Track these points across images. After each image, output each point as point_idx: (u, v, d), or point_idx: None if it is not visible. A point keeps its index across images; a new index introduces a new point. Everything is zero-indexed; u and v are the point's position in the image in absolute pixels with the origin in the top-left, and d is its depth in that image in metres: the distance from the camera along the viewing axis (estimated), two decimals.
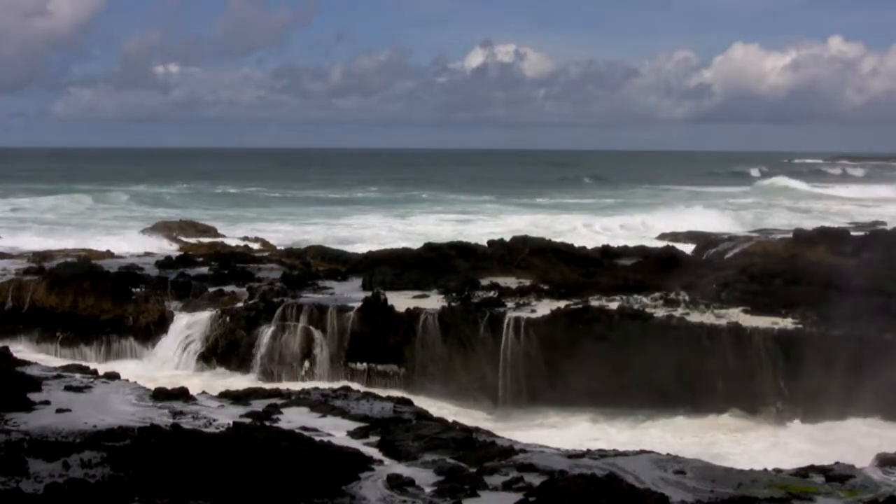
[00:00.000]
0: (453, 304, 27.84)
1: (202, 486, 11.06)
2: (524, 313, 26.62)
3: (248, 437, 13.11)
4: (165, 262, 35.01)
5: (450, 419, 17.16)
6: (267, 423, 15.07)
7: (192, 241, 45.65)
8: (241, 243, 45.25)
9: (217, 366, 28.04)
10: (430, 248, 34.73)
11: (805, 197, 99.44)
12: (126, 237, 49.59)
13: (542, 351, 25.68)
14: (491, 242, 36.48)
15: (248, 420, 15.37)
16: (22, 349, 27.36)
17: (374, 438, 14.82)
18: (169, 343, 28.81)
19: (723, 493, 12.00)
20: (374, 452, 13.78)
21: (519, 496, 11.51)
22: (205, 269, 33.95)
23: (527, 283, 30.34)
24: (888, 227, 49.65)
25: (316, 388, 18.83)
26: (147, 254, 40.31)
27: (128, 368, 27.09)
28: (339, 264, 35.85)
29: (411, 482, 12.06)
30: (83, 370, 19.28)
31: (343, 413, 16.59)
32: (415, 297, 29.21)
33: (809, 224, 51.44)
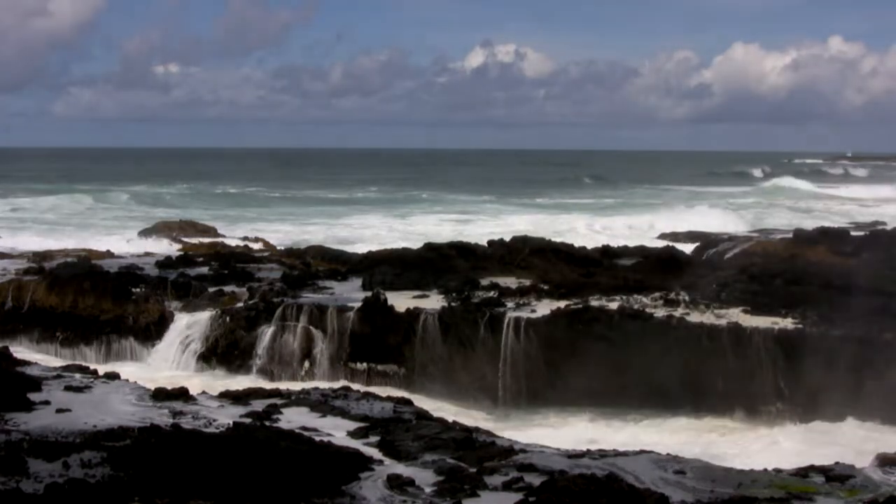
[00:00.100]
0: (453, 304, 27.85)
1: (202, 486, 11.06)
2: (524, 313, 26.63)
3: (248, 437, 13.11)
4: (165, 262, 35.02)
5: (450, 419, 17.15)
6: (267, 423, 15.06)
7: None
8: (241, 243, 45.26)
9: (217, 366, 28.05)
10: (430, 248, 34.74)
11: (810, 197, 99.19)
12: (126, 237, 49.65)
13: (542, 351, 25.68)
14: (491, 242, 36.49)
15: (248, 420, 15.36)
16: (22, 349, 27.36)
17: (374, 438, 14.81)
18: (169, 343, 28.82)
19: (723, 493, 12.00)
20: (374, 452, 13.78)
21: (519, 496, 11.51)
22: (205, 269, 33.96)
23: (527, 283, 30.35)
24: (888, 227, 49.63)
25: (316, 388, 18.83)
26: (147, 254, 40.33)
27: (128, 368, 27.12)
28: (339, 264, 35.85)
29: (411, 482, 12.06)
30: (83, 370, 19.27)
31: (343, 413, 16.59)
32: (415, 297, 29.21)
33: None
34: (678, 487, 12.23)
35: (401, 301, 28.25)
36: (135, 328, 29.50)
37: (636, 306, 26.79)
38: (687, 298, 27.57)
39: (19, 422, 13.72)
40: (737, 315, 25.90)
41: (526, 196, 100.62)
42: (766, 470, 13.80)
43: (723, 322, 25.23)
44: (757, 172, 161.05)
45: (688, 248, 44.79)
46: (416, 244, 38.81)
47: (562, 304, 27.21)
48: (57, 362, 23.75)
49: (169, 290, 30.89)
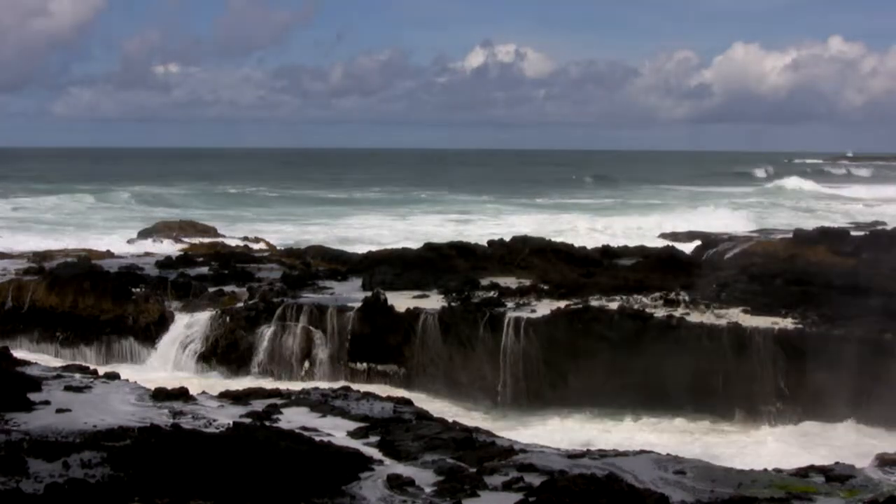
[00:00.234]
0: (453, 304, 27.85)
1: (202, 486, 11.06)
2: (524, 313, 26.62)
3: (248, 437, 13.11)
4: (165, 262, 35.02)
5: (450, 419, 17.15)
6: (267, 423, 15.06)
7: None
8: (241, 243, 45.26)
9: (217, 366, 28.06)
10: (430, 248, 34.75)
11: (816, 197, 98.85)
12: (126, 237, 49.66)
13: (542, 351, 25.68)
14: (491, 242, 36.49)
15: (248, 420, 15.36)
16: (22, 349, 27.36)
17: (374, 438, 14.81)
18: (169, 343, 28.81)
19: (723, 493, 12.00)
20: (374, 452, 13.78)
21: (519, 496, 11.52)
22: (205, 269, 33.96)
23: (527, 283, 30.35)
24: (888, 227, 49.64)
25: (316, 388, 18.82)
26: (147, 254, 40.33)
27: (127, 368, 27.14)
28: (339, 264, 35.84)
29: (411, 482, 12.06)
30: (83, 370, 19.27)
31: (343, 413, 16.59)
32: (415, 297, 29.21)
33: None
34: (678, 487, 12.23)
35: (401, 301, 28.25)
36: (135, 328, 29.49)
37: (636, 306, 26.78)
38: (687, 298, 27.56)
39: (19, 422, 13.72)
40: (737, 315, 25.89)
41: (526, 196, 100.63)
42: (766, 470, 13.81)
43: (723, 322, 25.22)
44: (760, 173, 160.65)
45: (688, 247, 44.83)
46: (416, 244, 38.83)
47: (562, 304, 27.21)
48: (57, 362, 23.77)
49: (169, 290, 30.88)
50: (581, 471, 12.20)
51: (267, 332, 27.90)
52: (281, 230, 61.55)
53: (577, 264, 34.05)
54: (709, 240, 48.53)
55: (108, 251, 40.77)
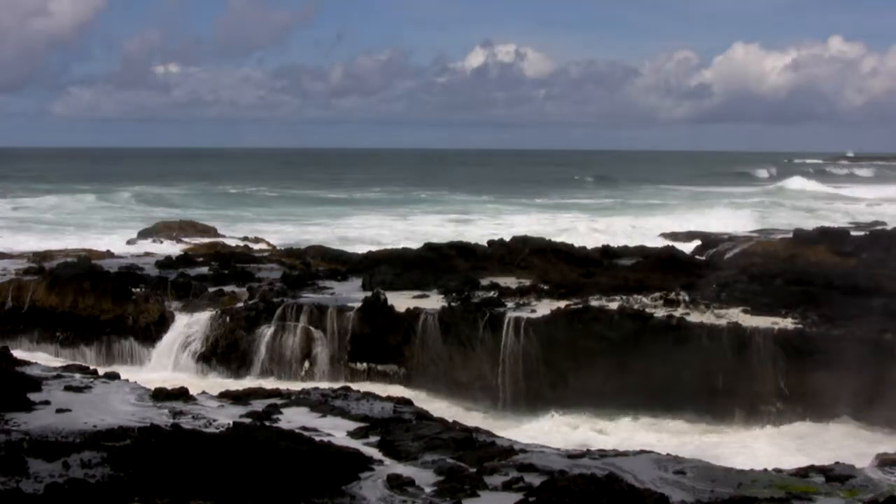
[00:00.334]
0: (453, 304, 27.84)
1: (202, 486, 11.06)
2: (524, 313, 26.62)
3: (248, 437, 13.11)
4: (165, 262, 35.01)
5: (450, 419, 17.16)
6: (267, 423, 15.07)
7: (195, 241, 45.64)
8: (241, 243, 45.26)
9: (217, 366, 28.05)
10: (430, 248, 34.75)
11: (821, 197, 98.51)
12: (126, 237, 49.66)
13: (542, 351, 25.67)
14: (491, 242, 36.48)
15: (248, 420, 15.37)
16: (22, 349, 27.36)
17: (374, 438, 14.82)
18: (169, 343, 28.80)
19: (723, 493, 12.01)
20: (374, 452, 13.79)
21: (519, 496, 11.52)
22: (205, 269, 33.95)
23: (527, 283, 30.34)
24: (888, 227, 49.64)
25: (316, 388, 18.84)
26: (147, 254, 40.32)
27: (127, 368, 27.17)
28: (339, 264, 35.83)
29: (411, 482, 12.07)
30: (83, 370, 19.28)
31: (343, 413, 16.60)
32: (415, 297, 29.21)
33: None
34: (678, 487, 12.24)
35: (401, 301, 28.25)
36: (135, 328, 29.48)
37: (636, 306, 26.78)
38: (687, 298, 27.55)
39: (19, 422, 13.73)
40: (737, 315, 25.89)
41: (526, 196, 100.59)
42: (766, 470, 13.81)
43: (723, 322, 25.22)
44: (762, 173, 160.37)
45: (688, 247, 44.84)
46: (416, 244, 38.82)
47: (562, 304, 27.20)
48: (57, 362, 23.77)
49: (169, 290, 30.87)
50: (581, 471, 12.20)
51: (267, 332, 27.90)
52: (281, 230, 61.54)
53: (577, 264, 34.04)
54: (709, 240, 48.57)
55: (108, 251, 40.77)
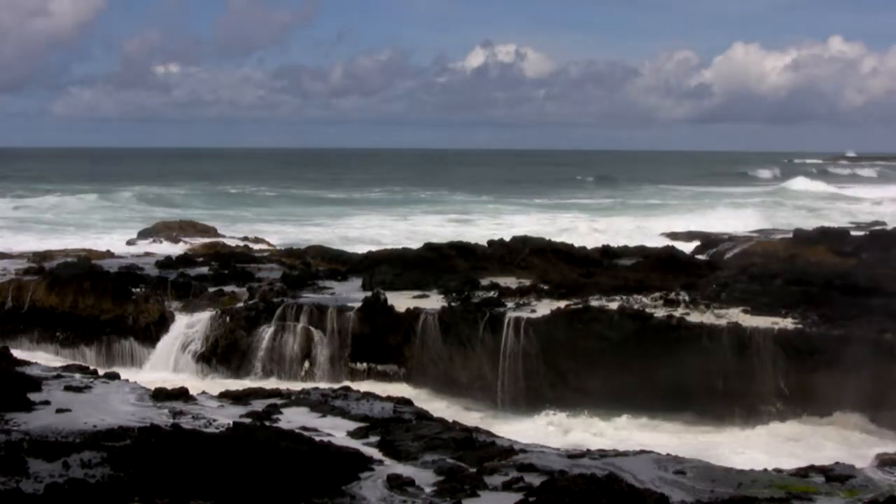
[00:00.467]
0: (453, 304, 27.84)
1: (202, 486, 11.07)
2: (524, 313, 26.62)
3: (248, 437, 13.12)
4: (165, 262, 35.01)
5: (450, 419, 17.17)
6: (267, 423, 15.08)
7: (195, 241, 45.64)
8: (241, 243, 45.25)
9: (217, 366, 28.05)
10: (430, 248, 34.74)
11: (825, 198, 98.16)
12: (126, 237, 49.67)
13: (542, 351, 25.67)
14: (491, 242, 36.48)
15: (248, 420, 15.38)
16: (22, 349, 27.35)
17: (374, 438, 14.83)
18: (169, 343, 28.80)
19: (723, 493, 12.01)
20: (374, 452, 13.80)
21: (519, 496, 11.53)
22: (205, 269, 33.95)
23: (527, 283, 30.34)
24: (888, 227, 49.66)
25: (316, 388, 18.86)
26: (147, 254, 40.33)
27: (127, 368, 27.19)
28: (339, 264, 35.84)
29: (411, 482, 12.07)
30: (83, 370, 19.30)
31: (343, 413, 16.61)
32: (415, 297, 29.21)
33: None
34: (678, 487, 12.24)
35: (401, 301, 28.25)
36: (135, 328, 29.48)
37: (636, 306, 26.77)
38: (687, 298, 27.55)
39: (19, 422, 13.74)
40: (737, 315, 25.88)
41: (526, 196, 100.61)
42: (766, 470, 13.82)
43: (723, 322, 25.21)
44: (765, 173, 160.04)
45: (688, 247, 44.86)
46: (416, 244, 38.83)
47: (562, 304, 27.20)
48: (57, 362, 23.78)
49: (169, 290, 30.87)
50: (581, 471, 12.21)
51: (267, 332, 27.90)
52: (281, 230, 61.57)
53: (577, 264, 34.04)
54: (709, 240, 48.60)
55: (108, 251, 40.77)
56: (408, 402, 18.05)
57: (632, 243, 42.14)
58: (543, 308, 26.97)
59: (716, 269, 33.07)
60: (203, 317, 28.95)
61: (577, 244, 38.72)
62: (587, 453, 14.40)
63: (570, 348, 25.46)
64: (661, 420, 23.78)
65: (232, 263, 35.30)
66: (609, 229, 61.26)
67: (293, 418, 15.93)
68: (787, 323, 25.10)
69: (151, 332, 29.28)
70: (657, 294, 28.17)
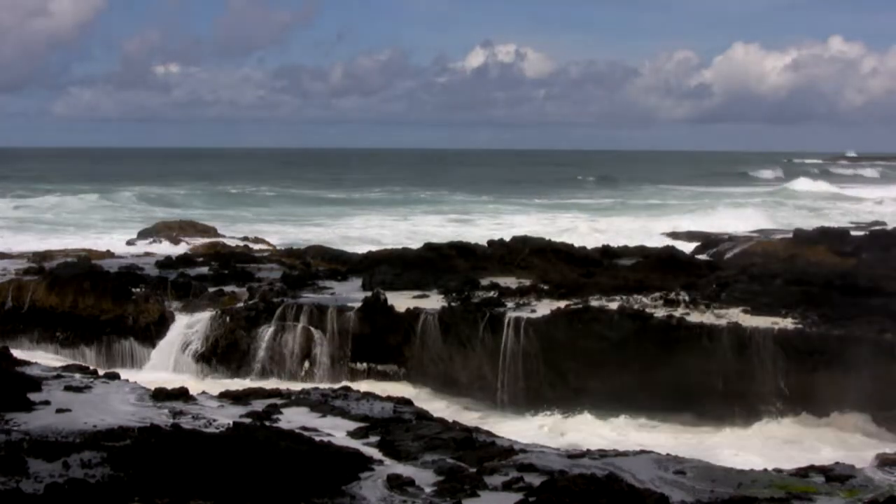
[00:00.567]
0: (453, 304, 27.84)
1: (202, 486, 11.07)
2: (524, 313, 26.61)
3: (248, 437, 13.12)
4: (165, 262, 35.00)
5: (450, 419, 17.17)
6: (267, 423, 15.08)
7: (195, 241, 45.63)
8: (241, 243, 45.24)
9: (217, 366, 28.05)
10: (430, 248, 34.73)
11: (829, 198, 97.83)
12: (126, 237, 49.66)
13: (541, 351, 25.67)
14: (491, 242, 36.47)
15: (248, 420, 15.38)
16: (22, 349, 27.35)
17: (374, 438, 14.83)
18: (169, 343, 28.80)
19: (723, 493, 12.01)
20: (374, 452, 13.79)
21: (519, 496, 11.53)
22: (205, 269, 33.94)
23: (527, 283, 30.33)
24: (888, 227, 49.67)
25: (316, 388, 18.86)
26: (147, 254, 40.32)
27: (127, 369, 27.20)
28: (339, 264, 35.83)
29: (411, 482, 12.07)
30: (83, 370, 19.30)
31: (343, 413, 16.61)
32: (415, 297, 29.20)
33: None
34: (678, 487, 12.24)
35: (401, 301, 28.25)
36: (135, 328, 29.48)
37: (636, 306, 26.77)
38: (687, 298, 27.54)
39: (19, 422, 13.74)
40: (737, 315, 25.87)
41: (526, 196, 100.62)
42: (766, 470, 13.82)
43: (723, 322, 25.21)
44: (766, 173, 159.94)
45: (688, 247, 44.88)
46: (416, 244, 38.83)
47: (562, 304, 27.20)
48: (57, 362, 23.77)
49: (169, 290, 30.87)
50: (581, 471, 12.21)
51: (267, 332, 27.89)
52: (281, 230, 61.58)
53: (577, 264, 34.03)
54: (709, 240, 48.62)
55: (108, 251, 40.76)
56: (408, 402, 18.05)
57: (632, 243, 42.14)
58: (543, 308, 26.97)
59: (716, 269, 33.06)
60: (203, 317, 28.94)
61: (577, 244, 38.72)
62: (587, 453, 14.40)
63: (570, 348, 25.46)
64: (661, 420, 23.78)
65: (232, 263, 35.30)
66: (609, 229, 61.27)
67: (293, 418, 15.93)
68: (787, 323, 25.09)
69: (151, 332, 29.27)
70: (657, 294, 28.16)
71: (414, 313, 27.34)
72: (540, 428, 23.01)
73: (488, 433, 16.06)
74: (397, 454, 13.84)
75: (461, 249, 34.84)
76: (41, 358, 24.20)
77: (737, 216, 67.71)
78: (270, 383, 23.54)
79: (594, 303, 27.19)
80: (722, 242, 46.52)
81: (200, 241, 45.60)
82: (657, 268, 32.53)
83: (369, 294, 28.56)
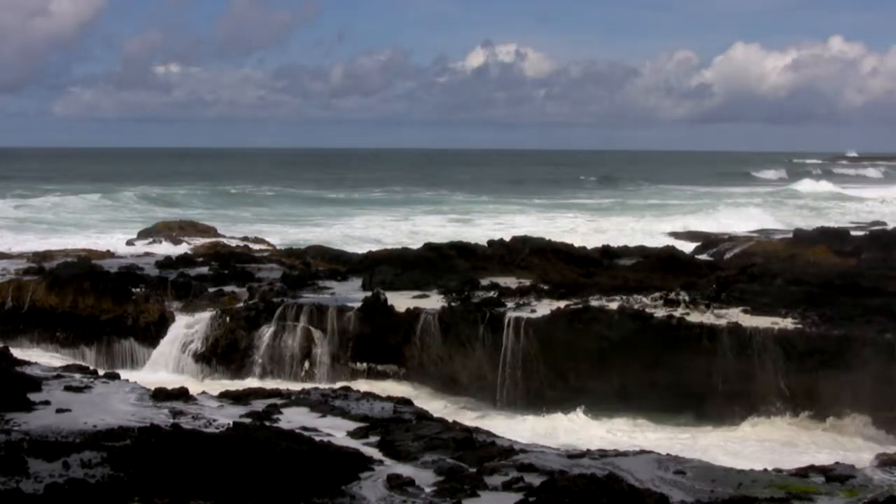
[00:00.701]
0: (453, 304, 27.83)
1: (202, 486, 11.06)
2: (524, 313, 26.61)
3: (248, 437, 13.11)
4: (165, 262, 35.00)
5: (449, 419, 17.16)
6: (267, 423, 15.07)
7: (195, 241, 45.60)
8: (242, 243, 45.23)
9: (217, 366, 28.05)
10: (430, 248, 34.73)
11: (833, 198, 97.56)
12: (126, 237, 49.63)
13: (542, 351, 25.67)
14: (491, 242, 36.48)
15: (248, 420, 15.36)
16: (22, 349, 27.34)
17: (374, 438, 14.82)
18: (169, 343, 28.80)
19: (723, 493, 12.01)
20: (374, 452, 13.78)
21: (519, 496, 11.52)
22: (205, 269, 33.94)
23: (527, 283, 30.33)
24: (888, 227, 49.69)
25: (316, 388, 18.84)
26: (147, 254, 40.30)
27: (127, 369, 27.21)
28: (339, 264, 35.83)
29: (411, 482, 12.07)
30: (83, 370, 19.27)
31: (343, 413, 16.59)
32: (415, 297, 29.20)
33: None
34: (678, 487, 12.24)
35: (401, 301, 28.24)
36: (135, 328, 29.48)
37: (636, 306, 26.77)
38: (687, 298, 27.54)
39: (19, 422, 13.73)
40: (737, 315, 25.87)
41: (526, 196, 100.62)
42: (766, 470, 13.81)
43: (723, 322, 25.21)
44: (769, 174, 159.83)
45: (688, 247, 44.89)
46: (416, 244, 38.83)
47: (562, 304, 27.19)
48: (57, 362, 23.76)
49: (169, 290, 30.87)
50: (581, 471, 12.21)
51: (267, 332, 27.89)
52: (281, 230, 61.58)
53: (577, 264, 34.04)
54: (709, 240, 48.64)
55: (108, 251, 40.74)
56: (408, 402, 18.04)
57: (632, 243, 42.15)
58: (543, 308, 26.97)
59: (716, 269, 33.06)
60: (203, 317, 28.94)
61: (577, 244, 38.74)
62: (587, 453, 14.39)
63: (570, 348, 25.46)
64: (661, 420, 23.77)
65: (232, 263, 35.29)
66: (609, 229, 61.27)
67: (293, 418, 15.92)
68: (788, 323, 25.09)
69: (151, 333, 29.27)
70: (657, 294, 28.16)
71: (414, 313, 27.34)
72: (540, 428, 22.99)
73: (488, 433, 16.05)
74: (397, 454, 13.83)
75: (461, 249, 34.84)
76: (41, 358, 24.21)
77: (739, 216, 67.70)
78: (270, 383, 23.53)
79: (594, 303, 27.19)
80: (722, 242, 46.53)
81: (200, 241, 45.57)
82: (657, 268, 32.54)
83: (369, 294, 28.55)
